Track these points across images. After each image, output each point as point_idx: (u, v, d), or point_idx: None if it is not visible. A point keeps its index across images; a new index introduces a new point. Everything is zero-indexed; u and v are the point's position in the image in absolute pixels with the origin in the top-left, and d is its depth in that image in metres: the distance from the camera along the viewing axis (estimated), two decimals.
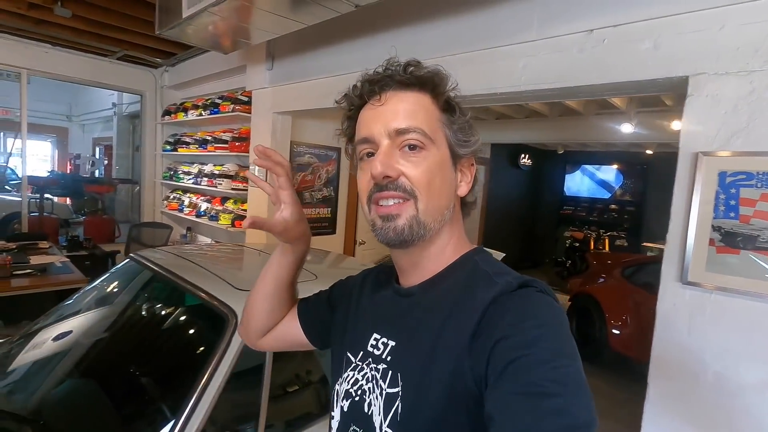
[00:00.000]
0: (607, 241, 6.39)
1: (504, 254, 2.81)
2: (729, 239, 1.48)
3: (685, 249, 1.55)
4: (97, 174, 9.91)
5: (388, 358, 0.60)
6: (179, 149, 4.61)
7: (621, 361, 3.77)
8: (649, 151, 6.18)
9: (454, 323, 0.55)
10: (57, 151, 12.13)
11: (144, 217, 5.06)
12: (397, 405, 0.55)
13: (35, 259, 3.13)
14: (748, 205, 1.45)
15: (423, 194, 0.58)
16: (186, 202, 4.46)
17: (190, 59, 4.46)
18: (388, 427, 0.56)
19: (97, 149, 11.05)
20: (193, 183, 4.36)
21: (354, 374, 0.64)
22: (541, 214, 8.56)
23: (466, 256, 0.63)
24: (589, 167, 8.02)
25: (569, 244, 7.01)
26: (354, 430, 0.61)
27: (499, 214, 7.24)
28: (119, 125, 9.45)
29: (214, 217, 4.04)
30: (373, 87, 0.60)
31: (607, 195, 7.78)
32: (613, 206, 7.54)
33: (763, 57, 1.38)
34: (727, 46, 1.46)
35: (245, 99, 3.72)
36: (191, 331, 1.70)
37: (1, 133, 11.25)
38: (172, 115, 4.71)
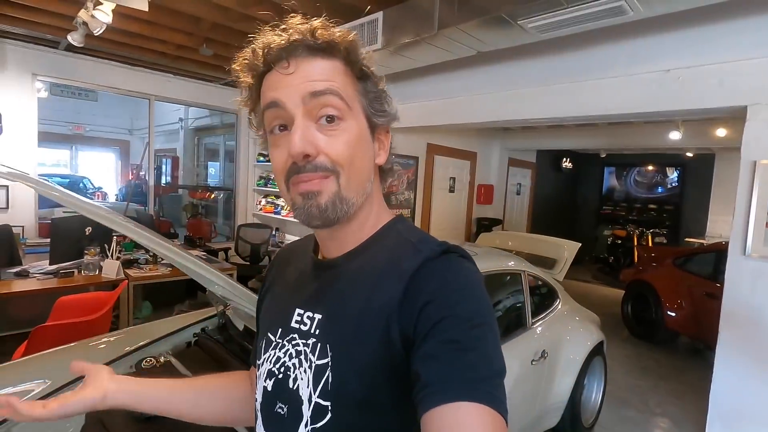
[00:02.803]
0: (649, 237, 6.87)
1: (580, 244, 3.37)
2: None
3: (747, 230, 2.14)
4: (163, 182, 10.83)
5: (317, 332, 0.58)
6: None
7: (674, 338, 4.29)
8: (689, 154, 6.66)
9: (380, 291, 0.55)
10: (120, 161, 13.16)
11: (238, 220, 5.81)
12: (327, 375, 0.54)
13: None
14: None
15: (345, 169, 0.54)
16: (286, 206, 5.19)
17: None
18: (318, 397, 0.55)
19: (164, 160, 11.99)
20: None
21: (275, 353, 0.62)
22: (581, 214, 9.06)
23: (388, 225, 0.63)
24: (628, 168, 8.50)
25: (611, 241, 7.50)
26: (279, 407, 0.59)
27: (544, 214, 7.80)
28: (185, 138, 10.33)
29: None
30: (279, 53, 0.53)
31: (646, 195, 8.24)
32: (652, 205, 8.01)
33: None
34: None
35: None
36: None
37: (74, 147, 12.33)
38: None
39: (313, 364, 0.56)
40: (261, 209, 5.60)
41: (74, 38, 3.21)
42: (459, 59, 3.07)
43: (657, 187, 8.05)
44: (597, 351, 2.62)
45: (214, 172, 10.63)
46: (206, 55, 4.06)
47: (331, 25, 0.55)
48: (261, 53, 0.54)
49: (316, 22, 0.54)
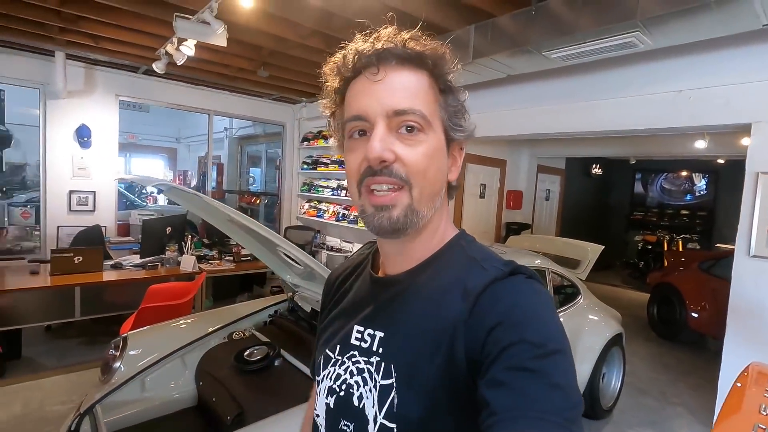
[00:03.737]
0: (680, 243, 6.94)
1: (603, 247, 3.64)
2: None
3: (751, 234, 2.40)
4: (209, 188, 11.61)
5: (380, 350, 0.58)
6: (318, 168, 5.84)
7: (698, 339, 4.46)
8: (720, 160, 6.71)
9: (444, 310, 0.53)
10: (168, 168, 14.12)
11: (283, 223, 6.34)
12: (393, 396, 0.53)
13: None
14: None
15: (418, 181, 0.54)
16: (329, 210, 5.66)
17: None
18: (384, 418, 0.54)
19: (211, 166, 12.79)
20: (332, 195, 5.56)
21: (335, 369, 0.62)
22: (611, 219, 9.15)
23: (452, 242, 0.61)
24: (656, 175, 8.55)
25: (641, 246, 7.59)
26: (345, 425, 0.59)
27: (573, 219, 7.97)
28: (229, 146, 11.05)
29: (353, 221, 5.18)
30: (370, 59, 0.54)
31: (678, 201, 8.27)
32: (684, 211, 8.04)
33: None
34: None
35: None
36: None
37: (128, 154, 13.34)
38: (311, 141, 5.96)
39: (378, 384, 0.56)
40: (305, 213, 6.10)
41: (158, 67, 3.79)
42: (490, 80, 3.43)
43: (686, 195, 8.09)
44: (615, 342, 2.90)
45: (254, 179, 11.32)
46: (263, 76, 4.59)
47: (423, 37, 0.56)
48: (351, 59, 0.56)
49: (408, 34, 0.55)
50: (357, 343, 0.61)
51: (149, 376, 2.01)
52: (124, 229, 5.00)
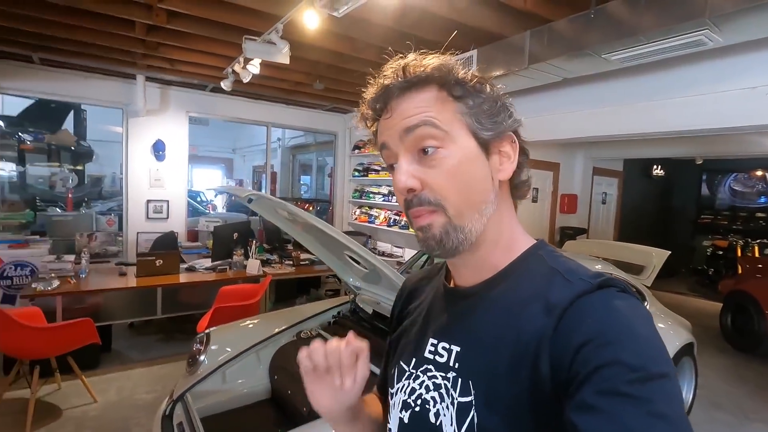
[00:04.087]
0: (756, 248, 6.40)
1: (669, 252, 3.48)
2: None
3: None
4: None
5: (456, 365, 0.56)
6: (369, 174, 6.00)
7: None
8: None
9: (526, 325, 0.51)
10: (226, 177, 14.96)
11: (337, 228, 6.57)
12: (472, 415, 0.52)
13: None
14: None
15: (450, 200, 0.53)
16: (380, 216, 5.80)
17: None
18: None
19: (263, 175, 13.44)
20: (383, 201, 5.69)
21: (409, 383, 0.61)
22: (675, 223, 8.61)
23: (529, 252, 0.58)
24: (728, 175, 7.96)
25: (711, 252, 7.09)
26: None
27: (633, 224, 7.60)
28: (282, 156, 11.55)
29: (404, 227, 5.27)
30: (378, 102, 0.57)
31: (750, 203, 7.65)
32: (760, 214, 7.42)
33: None
34: None
35: None
36: None
37: (191, 165, 14.26)
38: (362, 149, 6.14)
39: (456, 401, 0.54)
40: (356, 219, 6.28)
41: (226, 85, 4.10)
42: (544, 84, 3.40)
43: (760, 197, 7.46)
44: (686, 352, 2.78)
45: (308, 186, 11.75)
46: (318, 89, 4.82)
47: (422, 56, 0.56)
48: (367, 109, 0.59)
49: (408, 58, 0.56)
50: (432, 356, 0.59)
51: (228, 369, 2.20)
52: (192, 235, 5.41)
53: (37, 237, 4.07)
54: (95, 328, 2.67)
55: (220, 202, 14.13)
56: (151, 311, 3.60)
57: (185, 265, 3.92)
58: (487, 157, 0.56)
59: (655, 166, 7.94)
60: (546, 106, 3.73)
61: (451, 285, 0.64)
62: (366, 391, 0.66)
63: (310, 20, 2.56)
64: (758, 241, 6.70)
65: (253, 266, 3.89)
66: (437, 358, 0.59)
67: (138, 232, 4.89)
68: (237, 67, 3.75)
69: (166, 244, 4.30)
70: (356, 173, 6.33)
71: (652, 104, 3.02)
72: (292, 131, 10.18)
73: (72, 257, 3.73)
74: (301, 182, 12.12)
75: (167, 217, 5.10)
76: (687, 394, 2.88)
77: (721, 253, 6.86)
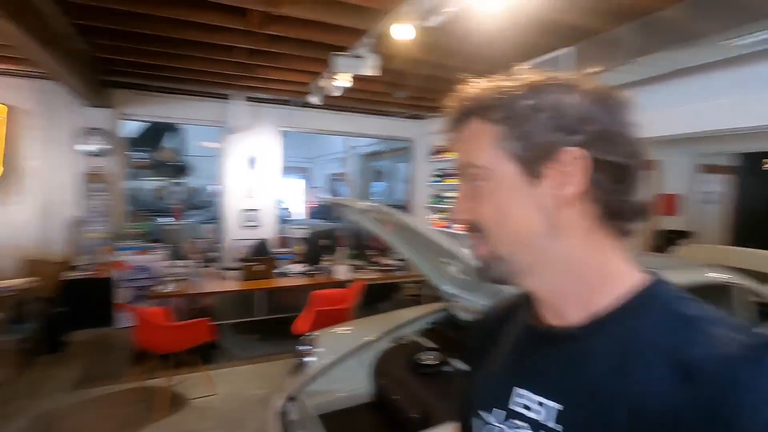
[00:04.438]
0: None
1: None
2: None
3: None
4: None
5: (558, 428, 0.47)
6: (446, 180, 5.98)
7: None
8: None
9: (648, 389, 0.42)
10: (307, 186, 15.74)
11: None
12: None
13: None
14: None
15: (491, 230, 0.52)
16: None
17: None
18: None
19: (339, 183, 13.90)
20: None
21: None
22: None
23: (646, 293, 0.49)
24: None
25: None
26: None
27: (750, 225, 6.74)
28: (356, 163, 11.88)
29: None
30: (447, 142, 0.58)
31: None
32: None
33: None
34: None
35: None
36: None
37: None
38: (439, 154, 6.14)
39: None
40: (433, 224, 6.28)
41: (315, 100, 4.32)
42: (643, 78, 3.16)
43: None
44: None
45: (378, 191, 11.97)
46: (401, 97, 4.90)
47: (462, 88, 0.54)
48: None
49: (452, 98, 0.55)
50: (521, 411, 0.52)
51: (332, 371, 2.31)
52: (281, 241, 5.76)
53: (156, 244, 4.58)
54: (212, 326, 2.95)
55: (298, 209, 14.86)
56: (250, 312, 3.90)
57: (277, 270, 4.19)
58: (538, 180, 0.50)
59: (764, 159, 6.97)
60: (649, 102, 3.47)
61: (535, 323, 0.57)
62: None
63: (404, 33, 2.62)
64: None
65: (342, 271, 4.04)
66: (530, 414, 0.51)
67: (233, 239, 5.32)
68: (324, 82, 3.94)
69: (260, 250, 4.62)
70: (435, 178, 6.33)
71: None
72: (365, 140, 10.44)
73: (182, 262, 4.15)
74: (373, 188, 12.37)
75: (259, 225, 5.48)
76: None
77: None
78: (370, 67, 3.24)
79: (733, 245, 6.12)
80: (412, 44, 3.25)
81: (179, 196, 7.29)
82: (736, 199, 6.63)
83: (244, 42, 3.33)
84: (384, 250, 6.32)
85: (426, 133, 6.56)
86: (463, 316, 2.56)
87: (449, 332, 2.51)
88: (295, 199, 15.43)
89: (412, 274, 4.39)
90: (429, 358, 2.11)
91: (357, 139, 10.95)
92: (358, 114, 6.08)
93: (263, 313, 3.94)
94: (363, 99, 5.27)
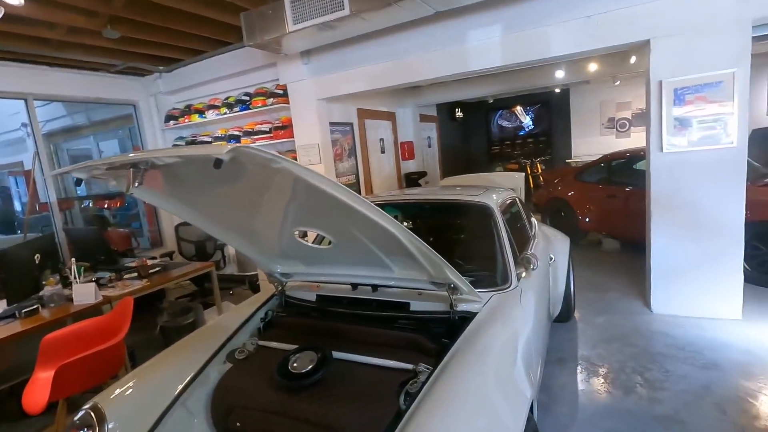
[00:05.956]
0: (538, 165, 8.15)
1: (524, 174, 3.97)
2: (681, 123, 2.82)
3: (661, 132, 2.86)
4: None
5: None
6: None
7: (584, 237, 5.37)
8: (557, 90, 7.90)
9: None
10: None
11: (174, 219, 5.28)
12: None
13: None
14: (689, 103, 2.78)
15: None
16: None
17: (192, 64, 4.74)
18: None
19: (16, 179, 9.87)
20: None
21: None
22: (477, 156, 10.16)
23: None
24: (496, 113, 9.70)
25: None
26: None
27: (450, 161, 8.57)
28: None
29: None
30: None
31: (515, 132, 9.58)
32: (530, 139, 9.40)
33: (691, 26, 2.68)
34: (672, 21, 2.73)
35: (281, 92, 4.29)
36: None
37: None
38: (180, 119, 4.97)
39: None
40: None
41: None
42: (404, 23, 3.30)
43: (518, 131, 9.58)
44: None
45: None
46: (111, 38, 3.54)
47: None
48: None
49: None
50: None
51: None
52: None
53: None
54: None
55: None
56: None
57: None
58: None
59: (456, 109, 9.06)
60: (388, 53, 3.73)
61: None
62: None
63: None
64: (538, 159, 8.53)
65: (85, 293, 2.73)
66: None
67: None
68: None
69: None
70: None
71: (514, 36, 3.24)
72: (49, 110, 7.62)
73: None
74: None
75: None
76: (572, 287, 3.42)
77: None
78: None
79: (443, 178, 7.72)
80: None
81: None
82: (441, 142, 8.29)
83: None
84: (130, 249, 4.80)
85: (153, 93, 5.17)
86: (308, 295, 2.09)
87: (299, 319, 1.99)
88: None
89: (191, 270, 3.43)
90: (301, 363, 1.56)
91: (39, 113, 7.85)
92: (42, 66, 4.16)
93: None
94: (52, 40, 3.58)
